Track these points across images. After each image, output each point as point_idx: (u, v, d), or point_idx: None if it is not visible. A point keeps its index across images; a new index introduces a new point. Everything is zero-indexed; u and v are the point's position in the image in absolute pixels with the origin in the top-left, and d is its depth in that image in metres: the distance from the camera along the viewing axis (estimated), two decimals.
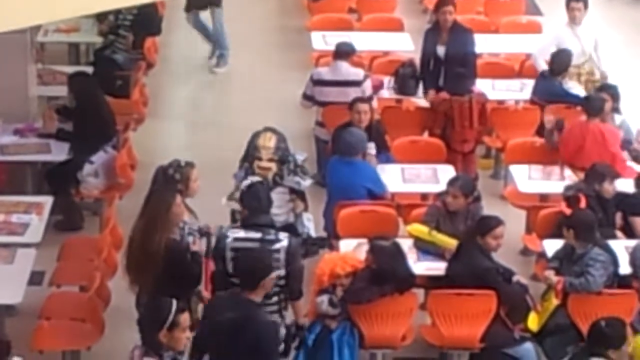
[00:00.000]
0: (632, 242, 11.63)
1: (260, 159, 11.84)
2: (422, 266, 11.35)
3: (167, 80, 17.17)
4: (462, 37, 14.77)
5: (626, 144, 14.00)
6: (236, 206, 11.20)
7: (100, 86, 14.03)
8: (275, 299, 10.04)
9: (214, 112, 16.07)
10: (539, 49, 15.86)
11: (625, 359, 9.43)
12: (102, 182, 13.10)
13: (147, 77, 16.15)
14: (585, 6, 16.51)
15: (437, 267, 11.37)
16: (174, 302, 8.94)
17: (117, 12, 15.25)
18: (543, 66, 15.42)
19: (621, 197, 12.35)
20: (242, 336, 9.23)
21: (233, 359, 9.42)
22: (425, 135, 14.45)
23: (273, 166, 11.86)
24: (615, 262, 11.21)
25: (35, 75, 14.79)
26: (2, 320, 11.34)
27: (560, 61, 14.85)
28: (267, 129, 12.11)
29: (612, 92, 14.07)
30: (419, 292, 11.27)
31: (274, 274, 9.42)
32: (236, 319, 9.29)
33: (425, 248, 11.54)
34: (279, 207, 11.30)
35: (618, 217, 12.30)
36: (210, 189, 11.76)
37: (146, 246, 10.07)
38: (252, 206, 10.46)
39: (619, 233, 12.14)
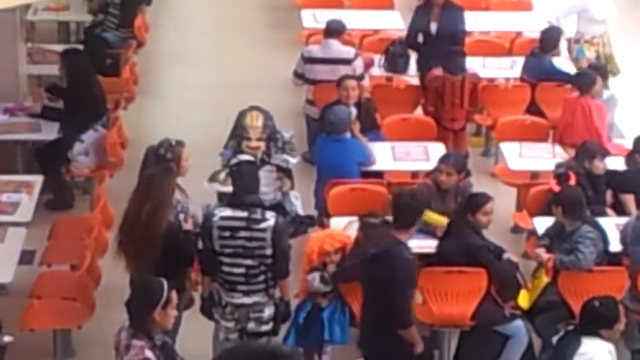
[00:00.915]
0: (623, 220, 11.69)
1: (249, 138, 11.84)
2: (413, 244, 10.94)
3: (157, 59, 17.16)
4: (453, 15, 14.81)
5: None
6: (218, 187, 11.31)
7: (89, 64, 13.99)
8: (261, 277, 10.11)
9: (204, 91, 16.08)
10: (563, 12, 15.95)
11: (617, 336, 9.37)
12: (93, 161, 13.14)
13: (137, 55, 16.20)
14: None
15: (428, 245, 11.40)
16: (164, 280, 8.99)
17: None
18: (564, 28, 15.58)
19: (611, 174, 12.37)
20: (382, 267, 9.85)
21: (377, 285, 9.92)
22: (416, 112, 14.51)
23: (262, 145, 11.87)
24: (605, 239, 11.25)
25: (25, 54, 14.81)
26: None
27: (550, 38, 14.89)
28: (253, 108, 12.14)
29: (601, 71, 14.11)
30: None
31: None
32: (379, 252, 9.89)
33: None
34: (266, 186, 11.29)
35: (608, 195, 12.33)
36: (200, 167, 11.73)
37: (151, 230, 10.04)
38: (239, 185, 10.48)
39: (609, 210, 12.17)
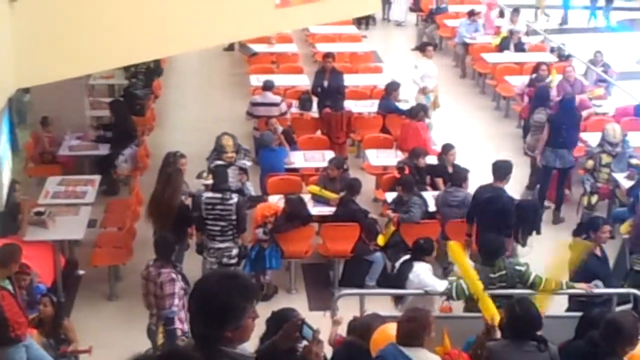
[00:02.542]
0: (435, 193, 11.70)
1: (226, 152, 11.87)
2: (317, 210, 11.38)
3: (167, 106, 17.11)
4: (337, 76, 14.72)
5: None
6: (203, 181, 11.31)
7: (127, 109, 14.02)
8: (230, 232, 10.24)
9: (195, 124, 15.98)
10: (417, 76, 15.52)
11: (433, 260, 9.37)
12: (130, 166, 13.10)
13: (155, 103, 16.13)
14: (435, 47, 16.71)
15: (326, 210, 11.38)
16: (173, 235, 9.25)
17: (136, 65, 15.16)
18: (419, 83, 15.40)
19: (429, 167, 12.33)
20: (494, 205, 10.27)
21: (491, 219, 10.18)
22: (317, 133, 14.40)
23: (234, 156, 12.01)
24: (426, 204, 11.29)
25: (89, 104, 14.73)
26: (72, 248, 11.46)
27: (392, 87, 14.81)
28: (225, 133, 12.10)
29: (425, 108, 14.10)
30: (315, 225, 11.31)
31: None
32: (492, 196, 10.32)
33: (318, 199, 11.55)
34: (233, 178, 11.33)
35: (428, 179, 12.26)
36: (193, 169, 11.72)
37: (170, 205, 10.27)
38: (216, 179, 10.73)
39: (428, 188, 12.09)
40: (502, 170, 10.59)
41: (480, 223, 10.56)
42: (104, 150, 13.33)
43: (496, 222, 10.27)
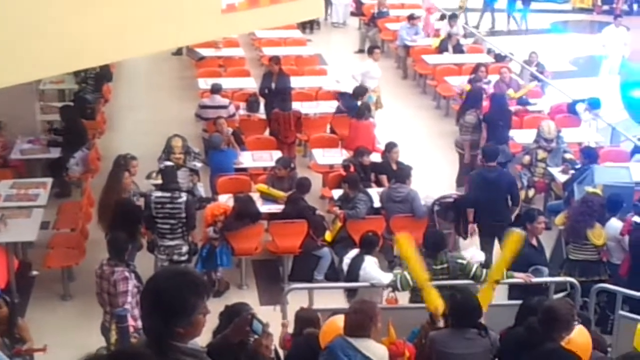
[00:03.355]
0: (380, 190, 11.72)
1: (174, 153, 11.90)
2: (266, 208, 11.38)
3: (116, 109, 16.95)
4: (284, 78, 14.73)
5: None
6: (153, 181, 11.26)
7: (77, 113, 13.89)
8: (180, 230, 10.24)
9: (145, 126, 15.80)
10: (357, 74, 15.68)
11: (378, 253, 9.46)
12: (81, 169, 12.89)
13: (105, 107, 15.99)
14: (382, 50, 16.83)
15: (275, 208, 11.38)
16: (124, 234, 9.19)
17: (86, 70, 14.97)
18: (357, 79, 15.48)
19: (374, 164, 12.36)
20: (505, 179, 11.14)
21: (503, 194, 11.04)
22: (265, 134, 14.37)
23: (182, 157, 11.97)
24: (371, 200, 11.34)
25: (39, 109, 14.58)
26: (26, 250, 11.34)
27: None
28: (175, 135, 12.13)
29: (368, 106, 14.06)
30: (264, 223, 11.27)
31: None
32: (498, 174, 11.15)
33: (267, 198, 11.53)
34: (183, 179, 11.25)
35: (373, 176, 12.29)
36: (144, 169, 11.66)
37: (121, 205, 10.26)
38: (165, 179, 10.61)
39: (373, 185, 12.13)
40: (491, 153, 11.37)
41: (489, 201, 11.07)
42: (55, 153, 13.18)
43: (506, 195, 11.21)
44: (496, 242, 10.43)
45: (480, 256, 9.85)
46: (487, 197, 11.09)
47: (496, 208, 11.12)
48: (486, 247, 10.93)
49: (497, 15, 25.66)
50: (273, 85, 14.60)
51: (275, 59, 15.04)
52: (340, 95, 15.24)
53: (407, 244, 7.83)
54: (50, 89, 16.21)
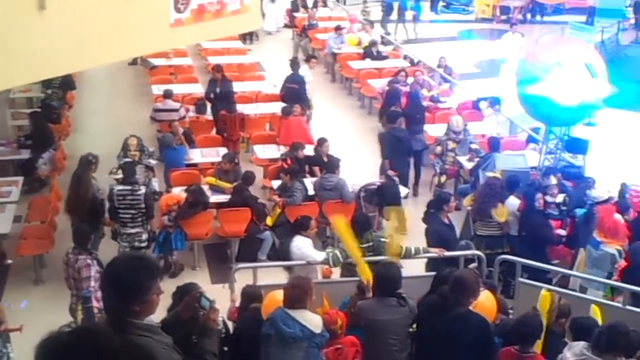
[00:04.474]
0: (313, 179, 11.74)
1: (130, 150, 11.77)
2: (214, 198, 11.30)
3: (80, 114, 16.69)
4: (228, 83, 14.63)
5: None
6: (114, 176, 11.12)
7: (44, 118, 13.64)
8: (140, 219, 10.11)
9: (106, 128, 15.60)
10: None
11: (312, 234, 9.26)
12: (49, 168, 12.69)
13: (70, 112, 15.75)
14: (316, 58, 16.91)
15: (223, 198, 11.29)
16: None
17: (51, 80, 14.67)
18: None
19: (307, 157, 12.31)
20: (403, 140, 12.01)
21: (402, 147, 12.28)
22: (212, 132, 14.24)
23: (137, 154, 11.81)
24: (306, 189, 11.34)
25: (10, 115, 14.35)
26: (0, 241, 10.97)
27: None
28: (131, 135, 11.98)
29: (287, 107, 13.88)
30: (213, 210, 11.22)
31: None
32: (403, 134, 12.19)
33: (215, 189, 11.44)
34: (140, 175, 10.94)
35: (307, 167, 12.29)
36: (106, 167, 11.53)
37: (84, 199, 10.16)
38: (125, 174, 10.46)
39: (307, 175, 12.10)
40: (393, 115, 12.77)
41: (398, 152, 12.64)
42: (25, 154, 12.95)
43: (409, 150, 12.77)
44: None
45: None
46: (397, 149, 12.44)
47: (404, 159, 12.76)
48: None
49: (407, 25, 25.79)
50: (218, 90, 14.46)
51: (217, 67, 14.91)
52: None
53: (342, 225, 7.83)
54: (20, 97, 15.92)
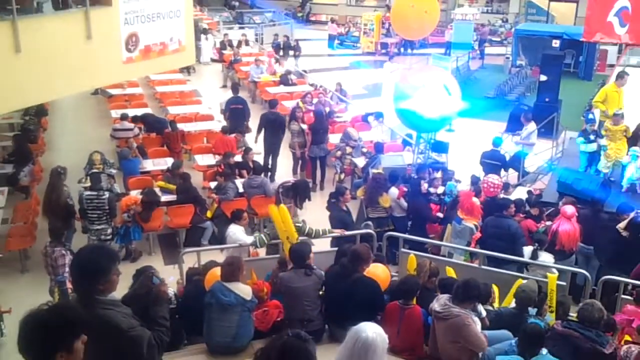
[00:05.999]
0: (242, 180, 11.52)
1: (95, 164, 11.43)
2: (164, 197, 11.09)
3: (54, 134, 16.17)
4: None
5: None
6: (83, 184, 10.83)
7: (24, 140, 13.22)
8: (104, 217, 9.89)
9: (75, 145, 15.06)
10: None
11: (245, 224, 8.91)
12: (29, 179, 12.24)
13: (45, 134, 15.25)
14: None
15: (171, 197, 11.09)
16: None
17: (28, 108, 14.23)
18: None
19: (237, 163, 12.09)
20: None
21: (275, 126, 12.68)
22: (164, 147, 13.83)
23: (101, 166, 11.47)
24: (237, 187, 11.16)
25: None
26: None
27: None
28: (95, 151, 11.61)
29: (225, 126, 13.70)
30: (164, 207, 11.04)
31: None
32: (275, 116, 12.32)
33: (165, 191, 11.25)
34: (104, 182, 10.68)
35: (237, 171, 11.96)
36: (74, 177, 11.24)
37: (58, 202, 9.84)
38: (92, 181, 10.23)
39: (237, 177, 11.80)
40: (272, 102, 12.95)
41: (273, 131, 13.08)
42: (9, 169, 12.51)
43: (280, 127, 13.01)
44: None
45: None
46: (271, 128, 12.98)
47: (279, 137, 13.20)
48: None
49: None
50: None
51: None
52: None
53: (275, 211, 7.79)
54: (3, 123, 15.36)
